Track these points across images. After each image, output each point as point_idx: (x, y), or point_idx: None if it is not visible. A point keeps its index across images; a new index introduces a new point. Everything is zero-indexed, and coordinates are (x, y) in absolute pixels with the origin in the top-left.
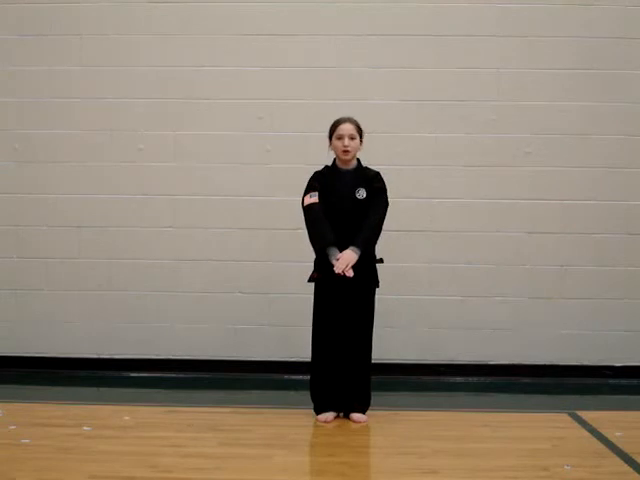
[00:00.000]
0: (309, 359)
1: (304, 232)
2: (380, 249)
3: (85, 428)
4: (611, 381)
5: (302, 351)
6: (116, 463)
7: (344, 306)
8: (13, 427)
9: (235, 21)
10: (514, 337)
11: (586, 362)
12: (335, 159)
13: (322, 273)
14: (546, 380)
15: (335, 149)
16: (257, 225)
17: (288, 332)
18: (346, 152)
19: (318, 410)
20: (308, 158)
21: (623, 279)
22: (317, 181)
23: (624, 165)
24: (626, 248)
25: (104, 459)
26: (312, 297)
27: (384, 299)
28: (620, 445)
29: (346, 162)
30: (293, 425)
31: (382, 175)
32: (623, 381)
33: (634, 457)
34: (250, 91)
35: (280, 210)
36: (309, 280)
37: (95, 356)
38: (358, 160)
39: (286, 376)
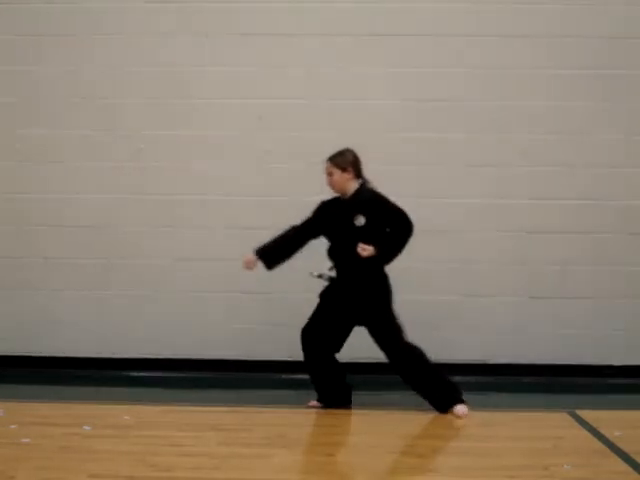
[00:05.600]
0: None
1: None
2: None
3: (85, 427)
4: (611, 381)
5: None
6: (116, 462)
7: None
8: (13, 426)
9: (235, 21)
10: (514, 337)
11: (586, 362)
12: None
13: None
14: (546, 380)
15: None
16: (257, 225)
17: (288, 332)
18: (331, 187)
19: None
20: (308, 158)
21: (623, 279)
22: (317, 210)
23: (624, 165)
24: (626, 248)
25: (104, 458)
26: (309, 296)
27: None
28: (620, 444)
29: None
30: (293, 425)
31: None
32: (623, 381)
33: (634, 457)
34: (250, 91)
35: (280, 210)
36: None
37: (95, 355)
38: (362, 184)
39: (286, 376)
